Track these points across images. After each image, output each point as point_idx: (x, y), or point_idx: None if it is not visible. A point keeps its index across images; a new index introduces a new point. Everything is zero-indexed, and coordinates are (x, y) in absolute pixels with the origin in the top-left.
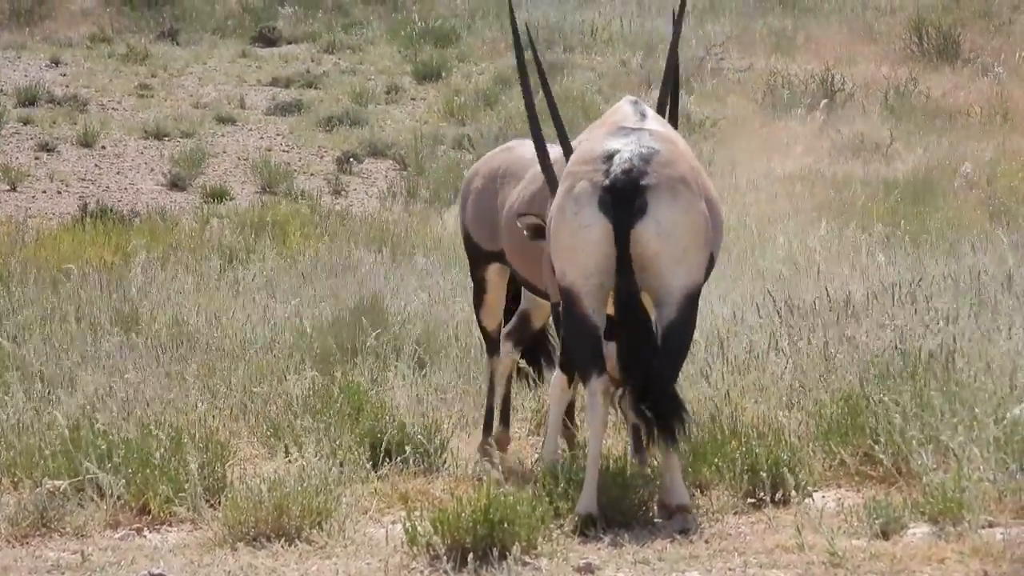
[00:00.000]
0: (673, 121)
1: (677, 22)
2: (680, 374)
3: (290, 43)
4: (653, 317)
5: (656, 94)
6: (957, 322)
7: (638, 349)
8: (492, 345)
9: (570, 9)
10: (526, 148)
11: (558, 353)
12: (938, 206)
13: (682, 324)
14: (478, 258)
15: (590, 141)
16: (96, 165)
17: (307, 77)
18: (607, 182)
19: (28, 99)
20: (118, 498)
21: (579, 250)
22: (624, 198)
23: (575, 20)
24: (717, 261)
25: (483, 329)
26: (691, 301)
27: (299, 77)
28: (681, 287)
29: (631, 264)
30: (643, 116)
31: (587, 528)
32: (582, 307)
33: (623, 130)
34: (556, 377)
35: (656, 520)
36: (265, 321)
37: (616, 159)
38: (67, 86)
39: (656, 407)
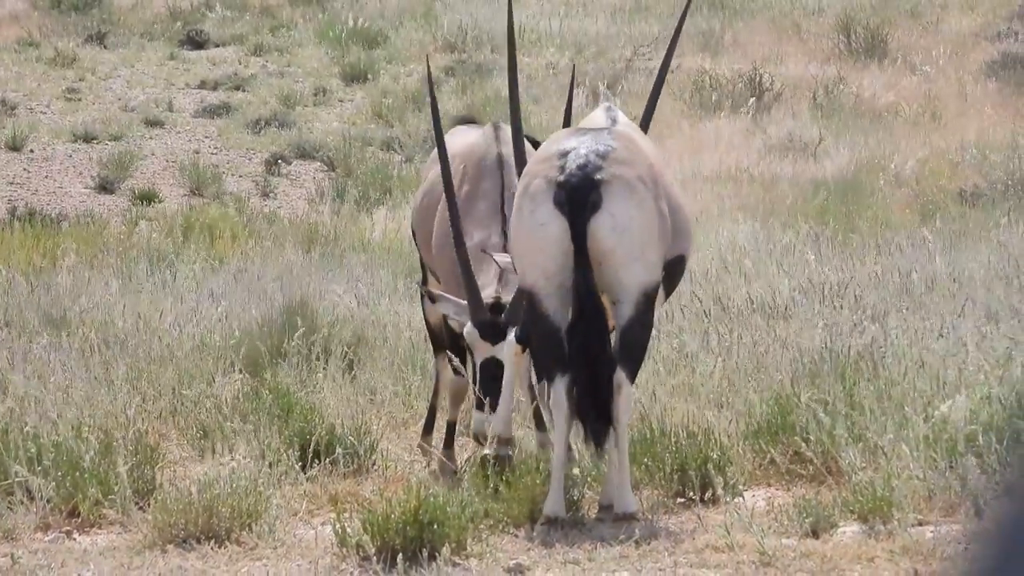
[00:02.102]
0: (645, 125)
1: (677, 30)
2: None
3: (218, 46)
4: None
5: (584, 96)
6: (886, 321)
7: (591, 346)
8: (438, 342)
9: (498, 10)
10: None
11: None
12: (867, 205)
13: (639, 322)
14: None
15: (550, 141)
16: (24, 169)
17: (235, 80)
18: (561, 178)
19: None
20: (47, 501)
21: (538, 249)
22: (578, 194)
23: (503, 21)
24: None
25: (428, 324)
26: (648, 299)
27: (227, 80)
28: (638, 284)
29: (588, 260)
30: (613, 121)
31: (550, 531)
32: (543, 308)
33: (582, 130)
34: (508, 341)
35: (585, 520)
36: (194, 323)
37: (571, 156)
38: None
39: (601, 407)
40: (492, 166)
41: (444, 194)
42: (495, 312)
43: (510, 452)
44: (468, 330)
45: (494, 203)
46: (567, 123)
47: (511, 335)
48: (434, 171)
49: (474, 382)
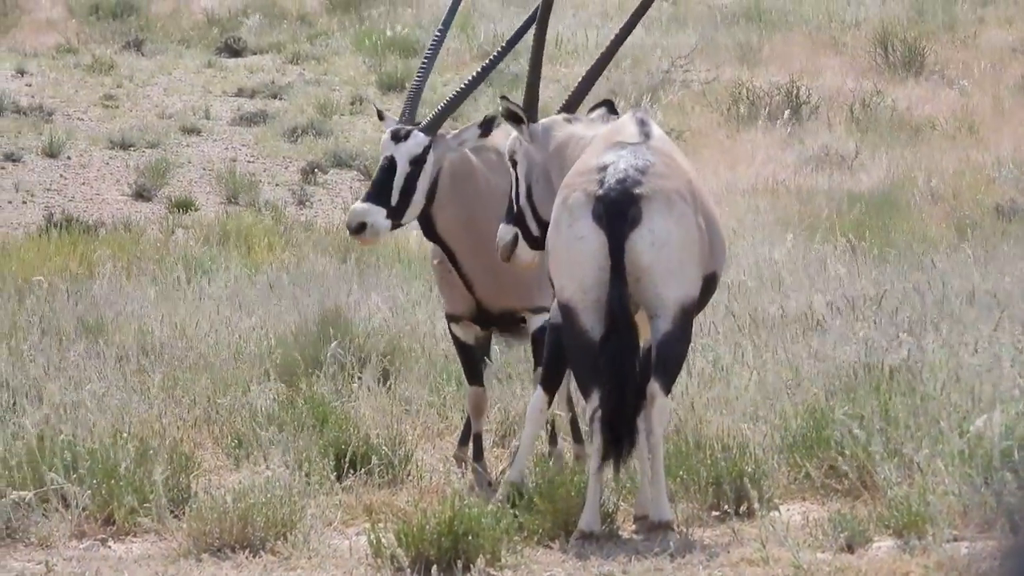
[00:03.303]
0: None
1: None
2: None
3: (255, 54)
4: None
5: (622, 104)
6: (922, 335)
7: (622, 361)
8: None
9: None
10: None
11: (538, 370)
12: (903, 219)
13: (676, 336)
14: None
15: (588, 155)
16: (61, 175)
17: (272, 88)
18: (600, 192)
19: None
20: (83, 509)
21: (575, 263)
22: (617, 208)
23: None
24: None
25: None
26: (685, 314)
27: (264, 88)
28: (676, 299)
29: (624, 275)
30: (647, 135)
31: (585, 545)
32: (581, 323)
33: (620, 144)
34: (536, 396)
35: (621, 532)
36: (230, 332)
37: (610, 170)
38: (32, 96)
39: (628, 425)
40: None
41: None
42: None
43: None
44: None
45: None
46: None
47: (539, 390)
48: None
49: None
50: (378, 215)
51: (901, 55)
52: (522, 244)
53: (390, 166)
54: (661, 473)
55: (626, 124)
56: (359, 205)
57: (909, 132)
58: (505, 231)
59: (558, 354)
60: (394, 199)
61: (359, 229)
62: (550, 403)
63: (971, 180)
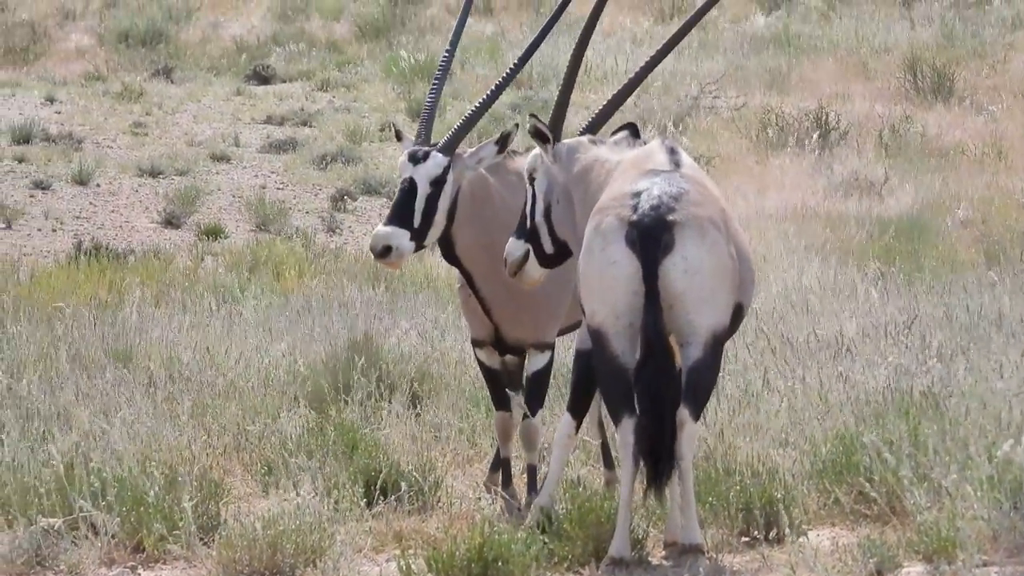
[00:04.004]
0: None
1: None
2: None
3: (284, 81)
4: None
5: (651, 130)
6: (951, 361)
7: (659, 387)
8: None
9: (563, 46)
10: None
11: (569, 396)
12: (932, 244)
13: (707, 364)
14: None
15: (620, 181)
16: (91, 203)
17: (301, 115)
18: (634, 217)
19: (23, 137)
20: (112, 536)
21: (608, 288)
22: (651, 234)
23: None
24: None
25: (483, 371)
26: (716, 342)
27: (293, 115)
28: (707, 327)
29: (659, 301)
30: (677, 164)
31: (615, 571)
32: (612, 348)
33: (654, 172)
34: (564, 421)
35: (651, 558)
36: (259, 359)
37: (644, 196)
38: (62, 124)
39: (666, 449)
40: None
41: None
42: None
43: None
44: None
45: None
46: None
47: (566, 415)
48: None
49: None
50: (402, 238)
51: (930, 81)
52: (532, 261)
53: (411, 188)
54: (691, 498)
55: (655, 151)
56: (382, 228)
57: (938, 158)
58: (515, 246)
59: (586, 379)
60: (416, 221)
61: (384, 253)
62: (578, 428)
63: (1000, 205)
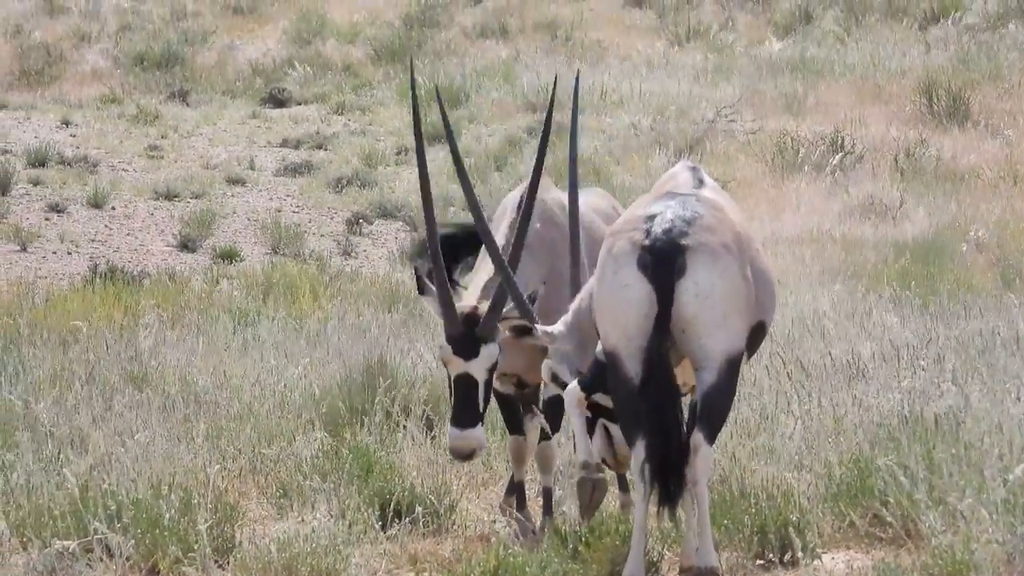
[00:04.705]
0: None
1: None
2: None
3: (300, 104)
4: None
5: (665, 157)
6: (966, 384)
7: (662, 409)
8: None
9: (580, 71)
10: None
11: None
12: (948, 268)
13: (721, 388)
14: None
15: (636, 205)
16: (106, 226)
17: (317, 138)
18: (647, 241)
19: (38, 160)
20: (127, 559)
21: (620, 311)
22: (663, 258)
23: (584, 82)
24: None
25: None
26: (731, 366)
27: (309, 138)
28: (721, 351)
29: (668, 324)
30: (700, 183)
31: None
32: (625, 370)
33: (670, 195)
34: (570, 388)
35: None
36: (274, 382)
37: (657, 220)
38: (77, 147)
39: (675, 474)
40: (511, 208)
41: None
42: (469, 324)
43: (600, 475)
44: (441, 344)
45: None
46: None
47: (573, 383)
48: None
49: (449, 395)
50: (481, 434)
51: (946, 104)
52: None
53: (468, 382)
54: (707, 521)
55: (679, 172)
56: (463, 433)
57: (954, 181)
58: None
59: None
60: (481, 407)
61: (472, 456)
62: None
63: (1015, 229)
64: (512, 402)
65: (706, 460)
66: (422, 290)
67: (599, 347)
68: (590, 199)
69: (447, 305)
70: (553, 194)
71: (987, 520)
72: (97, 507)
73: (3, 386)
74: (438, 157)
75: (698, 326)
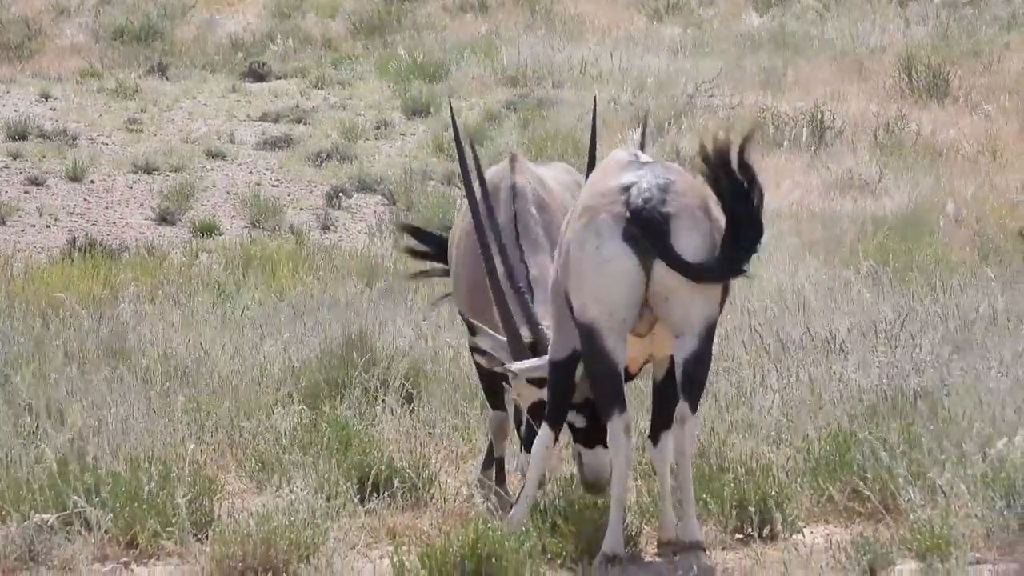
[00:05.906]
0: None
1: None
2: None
3: (279, 78)
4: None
5: (642, 131)
6: (946, 359)
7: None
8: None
9: (558, 45)
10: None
11: (548, 407)
12: (926, 243)
13: (702, 355)
14: None
15: (603, 178)
16: (85, 199)
17: (296, 112)
18: (629, 213)
19: (18, 133)
20: (106, 532)
21: (603, 285)
22: (650, 228)
23: (564, 56)
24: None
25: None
26: (709, 332)
27: (288, 112)
28: (702, 317)
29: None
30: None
31: (608, 568)
32: (603, 345)
33: (634, 164)
34: (543, 432)
35: (644, 555)
36: (253, 356)
37: (634, 190)
38: (57, 120)
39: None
40: (506, 197)
41: (473, 225)
42: (535, 353)
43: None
44: (516, 375)
45: (510, 235)
46: (591, 162)
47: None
48: (464, 218)
49: (519, 424)
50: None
51: (925, 80)
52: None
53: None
54: (691, 495)
55: (616, 155)
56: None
57: (933, 156)
58: None
59: (563, 390)
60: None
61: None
62: (556, 439)
63: (994, 204)
64: (494, 378)
65: (692, 430)
66: (472, 331)
67: (555, 352)
68: (555, 173)
69: (515, 334)
70: (529, 175)
71: (966, 495)
72: (76, 481)
73: None
74: (417, 131)
75: (682, 293)
